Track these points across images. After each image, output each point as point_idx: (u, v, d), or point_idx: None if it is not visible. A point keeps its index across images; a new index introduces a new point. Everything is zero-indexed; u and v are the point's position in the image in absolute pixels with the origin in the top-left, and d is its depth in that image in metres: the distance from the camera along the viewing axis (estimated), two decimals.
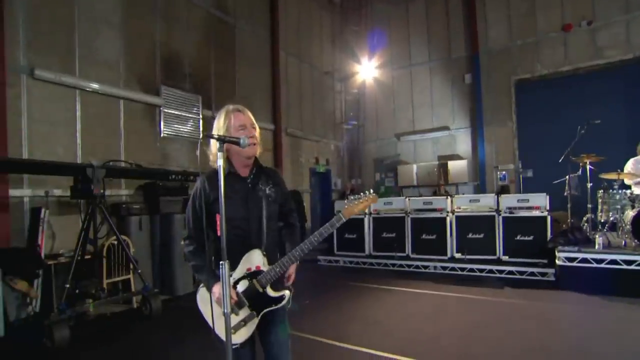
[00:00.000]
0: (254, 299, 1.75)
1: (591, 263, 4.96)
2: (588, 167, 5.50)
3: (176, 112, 6.56)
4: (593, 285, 4.82)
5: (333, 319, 4.29)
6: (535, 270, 5.72)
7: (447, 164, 10.00)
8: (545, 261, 5.71)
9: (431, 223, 6.82)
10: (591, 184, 5.47)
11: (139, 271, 4.60)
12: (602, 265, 4.88)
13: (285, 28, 9.46)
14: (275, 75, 9.04)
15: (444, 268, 6.52)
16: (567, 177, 5.89)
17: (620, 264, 4.78)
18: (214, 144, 1.66)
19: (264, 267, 1.76)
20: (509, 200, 6.35)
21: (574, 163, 5.73)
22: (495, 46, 9.71)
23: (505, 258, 6.15)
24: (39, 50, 4.78)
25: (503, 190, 9.03)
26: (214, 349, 1.70)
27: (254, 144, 1.78)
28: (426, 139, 10.83)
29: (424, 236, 6.87)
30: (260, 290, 1.75)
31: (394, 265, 6.94)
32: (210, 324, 1.74)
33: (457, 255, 6.53)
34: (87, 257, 4.38)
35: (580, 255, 5.02)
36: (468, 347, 3.40)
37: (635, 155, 5.61)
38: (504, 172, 9.56)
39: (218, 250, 1.60)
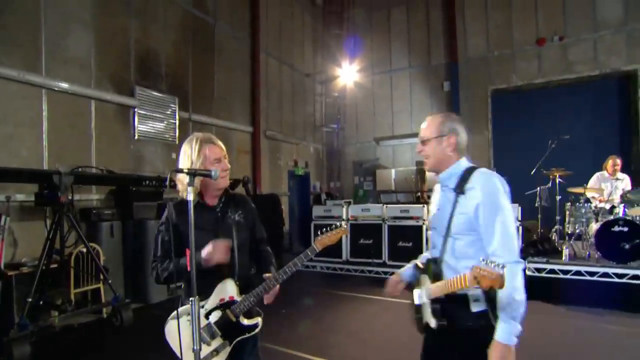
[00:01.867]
0: (227, 329, 1.72)
1: (558, 274, 5.17)
2: (558, 180, 5.73)
3: (151, 114, 6.34)
4: (559, 295, 5.02)
5: (310, 330, 4.27)
6: None
7: (424, 169, 10.14)
8: None
9: (407, 231, 6.91)
10: (560, 197, 5.70)
11: (109, 281, 4.44)
12: (568, 276, 5.10)
13: (266, 29, 9.33)
14: (255, 77, 8.89)
15: None
16: (538, 188, 6.10)
17: (584, 275, 5.00)
18: (183, 176, 1.61)
19: (238, 297, 1.74)
20: None
21: (545, 176, 5.95)
22: (474, 56, 9.93)
23: None
24: None
25: None
26: None
27: (225, 177, 1.77)
28: (405, 144, 10.95)
29: (400, 243, 6.96)
30: (234, 320, 1.72)
31: (370, 271, 7.00)
32: (179, 357, 1.69)
33: None
34: (53, 266, 4.16)
35: (549, 267, 5.22)
36: None
37: (600, 169, 5.87)
38: None
39: (188, 282, 1.55)
